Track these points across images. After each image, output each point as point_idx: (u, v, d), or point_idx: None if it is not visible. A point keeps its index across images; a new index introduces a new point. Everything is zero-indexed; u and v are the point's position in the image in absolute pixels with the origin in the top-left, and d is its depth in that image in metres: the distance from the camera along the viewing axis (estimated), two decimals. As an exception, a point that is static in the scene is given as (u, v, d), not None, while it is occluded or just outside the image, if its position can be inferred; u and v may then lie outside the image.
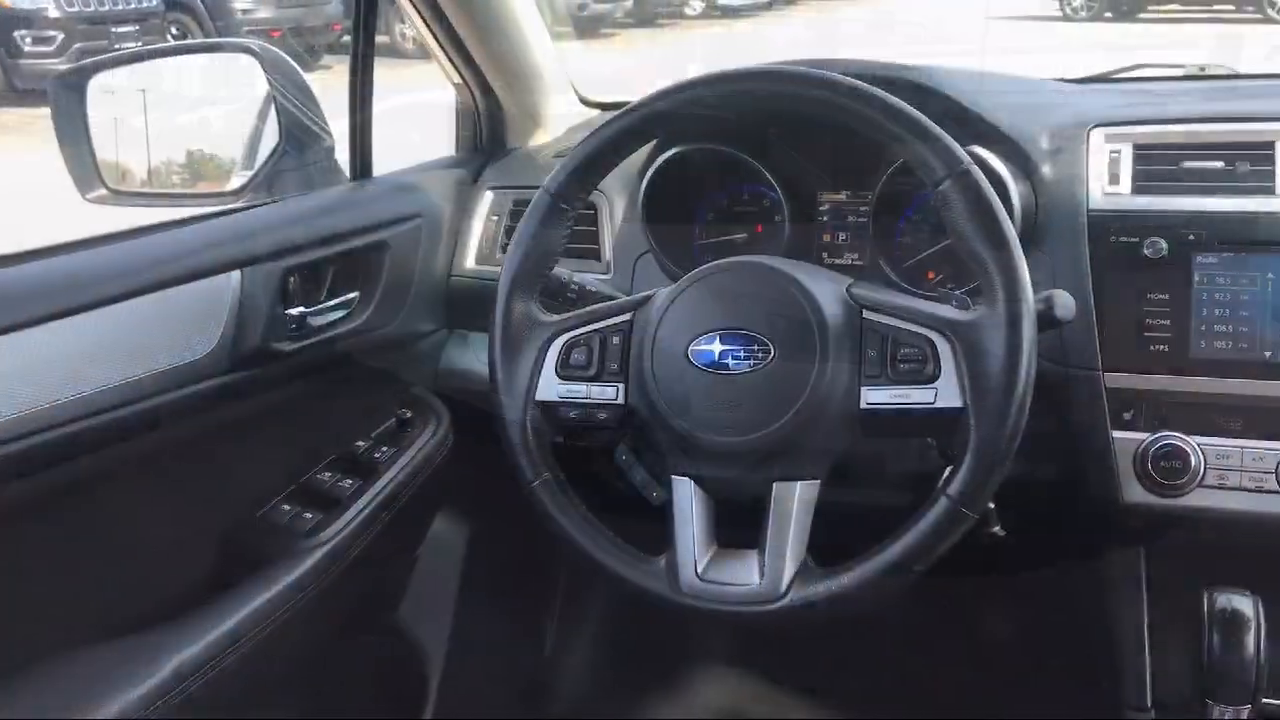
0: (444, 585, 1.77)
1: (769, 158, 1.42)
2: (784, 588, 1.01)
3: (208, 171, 1.70)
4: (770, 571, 1.02)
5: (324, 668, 1.49)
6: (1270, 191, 1.20)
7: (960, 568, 1.06)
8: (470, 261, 1.64)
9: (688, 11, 15.38)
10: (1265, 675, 1.06)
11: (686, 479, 1.07)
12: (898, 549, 0.99)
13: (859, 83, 1.03)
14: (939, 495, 0.98)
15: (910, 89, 1.26)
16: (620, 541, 1.09)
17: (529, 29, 1.70)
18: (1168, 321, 1.19)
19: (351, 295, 1.46)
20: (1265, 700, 1.08)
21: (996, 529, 1.14)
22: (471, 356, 1.62)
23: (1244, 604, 1.07)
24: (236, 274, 1.26)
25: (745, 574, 1.03)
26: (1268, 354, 1.16)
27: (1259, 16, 13.85)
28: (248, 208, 1.43)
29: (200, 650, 1.18)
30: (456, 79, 1.73)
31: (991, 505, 1.10)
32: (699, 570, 1.04)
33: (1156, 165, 1.25)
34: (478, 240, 1.64)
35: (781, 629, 1.05)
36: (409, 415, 1.54)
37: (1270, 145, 1.22)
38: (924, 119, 1.02)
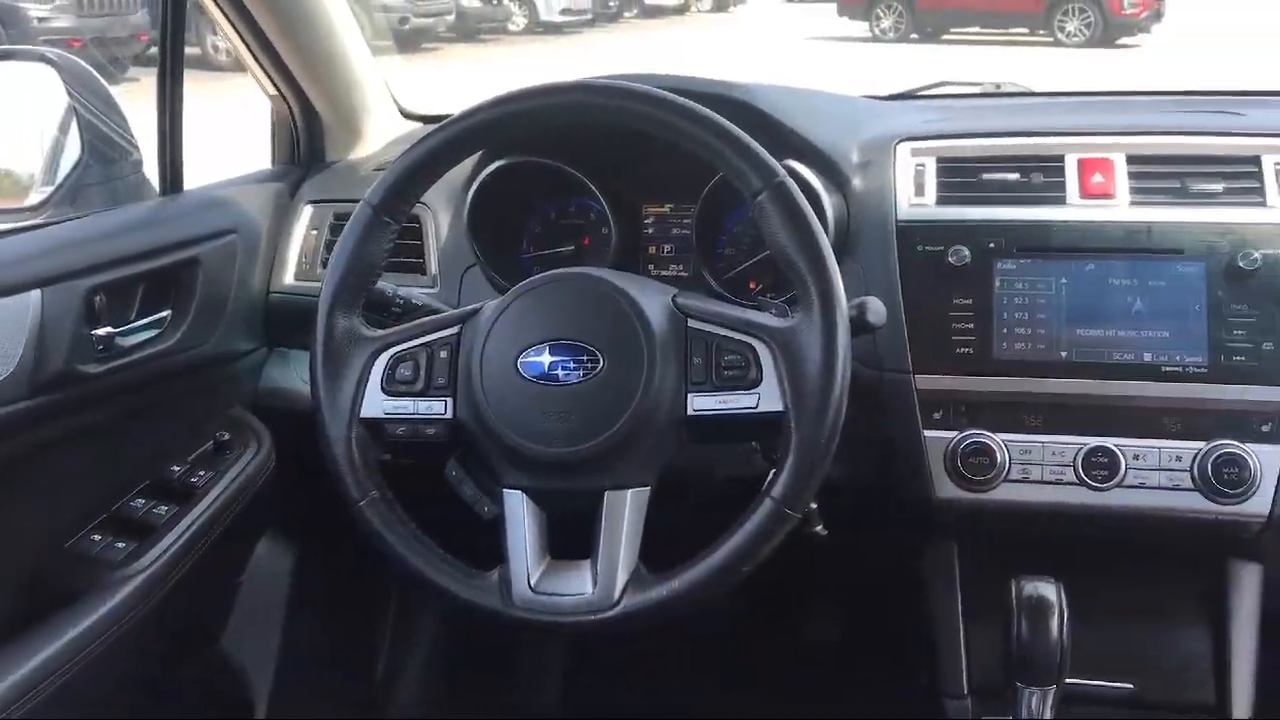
0: (270, 611, 1.71)
1: (594, 171, 1.44)
2: (617, 596, 1.02)
3: (3, 187, 1.61)
4: (603, 580, 1.03)
5: (147, 700, 1.42)
6: (1062, 201, 1.28)
7: (786, 567, 1.09)
8: (290, 277, 1.60)
9: (511, 27, 15.37)
10: (1068, 657, 1.13)
11: (517, 492, 1.07)
12: (725, 552, 1.01)
13: (677, 97, 1.06)
14: (763, 497, 1.01)
15: (727, 104, 1.29)
16: (450, 558, 1.08)
17: (346, 40, 1.67)
18: (972, 325, 1.26)
19: (163, 314, 1.40)
20: (1069, 680, 1.15)
21: (819, 528, 1.18)
22: (293, 374, 1.58)
23: (1048, 590, 1.14)
24: (36, 293, 1.19)
25: (578, 584, 1.04)
26: (1064, 354, 1.24)
27: (1050, 40, 14.76)
28: (48, 224, 1.36)
29: (7, 688, 1.11)
30: (272, 91, 1.69)
31: (814, 505, 1.14)
32: (532, 583, 1.04)
33: (958, 177, 1.32)
34: (297, 255, 1.60)
35: (616, 636, 1.06)
36: (227, 437, 1.48)
37: (1060, 158, 1.30)
38: (739, 133, 1.04)
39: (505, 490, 1.07)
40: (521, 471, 1.07)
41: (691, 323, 1.06)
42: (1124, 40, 14.56)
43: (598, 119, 1.10)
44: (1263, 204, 1.23)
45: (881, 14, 15.40)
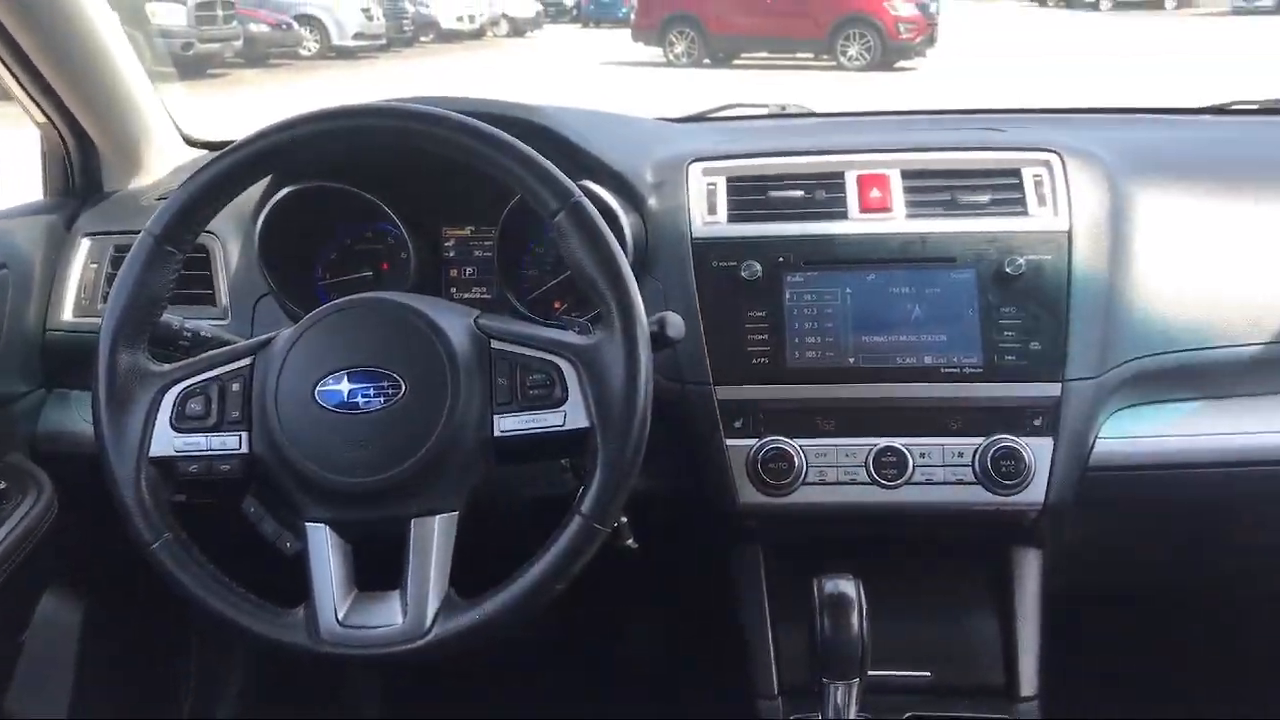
0: (59, 668, 1.61)
1: (390, 195, 1.42)
2: (428, 624, 1.01)
3: None
4: (413, 609, 1.01)
5: None
6: (844, 216, 1.34)
7: (598, 582, 1.10)
8: (68, 314, 1.52)
9: (302, 52, 14.99)
10: (870, 650, 1.18)
11: (320, 525, 1.04)
12: (538, 571, 1.01)
13: (470, 119, 1.06)
14: (573, 514, 1.02)
15: (523, 127, 1.30)
16: (253, 597, 1.04)
17: (120, 64, 1.59)
18: (766, 336, 1.30)
19: (-75, 358, 1.30)
20: (872, 673, 1.20)
21: (629, 542, 1.19)
22: (75, 416, 1.49)
23: (848, 587, 1.18)
24: None
25: (388, 615, 1.02)
26: (852, 360, 1.30)
27: (834, 64, 15.41)
28: None
29: None
30: (40, 118, 1.59)
31: (624, 519, 1.15)
32: (339, 617, 1.02)
33: (748, 195, 1.37)
34: (75, 291, 1.52)
35: (429, 664, 1.04)
36: (3, 486, 1.39)
37: (841, 175, 1.36)
38: (534, 154, 1.05)
39: (308, 524, 1.05)
40: (323, 504, 1.04)
41: (495, 344, 1.06)
42: (901, 64, 15.37)
43: (392, 143, 1.09)
44: (1024, 213, 1.32)
45: (675, 40, 15.78)
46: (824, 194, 1.35)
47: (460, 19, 20.38)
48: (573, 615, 1.30)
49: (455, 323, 1.07)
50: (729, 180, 1.38)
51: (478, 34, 21.03)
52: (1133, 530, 1.57)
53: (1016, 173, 1.35)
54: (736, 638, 1.42)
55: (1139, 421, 1.34)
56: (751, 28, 15.63)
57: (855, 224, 1.33)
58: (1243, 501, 1.44)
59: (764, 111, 1.88)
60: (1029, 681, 1.36)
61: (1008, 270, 1.28)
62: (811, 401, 1.30)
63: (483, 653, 1.06)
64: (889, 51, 15.23)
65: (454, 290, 1.49)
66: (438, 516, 1.03)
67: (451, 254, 1.49)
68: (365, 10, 15.91)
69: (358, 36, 15.67)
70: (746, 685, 1.39)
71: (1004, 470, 1.27)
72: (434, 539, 1.03)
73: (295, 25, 14.73)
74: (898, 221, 1.33)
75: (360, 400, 1.03)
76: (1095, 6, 37.95)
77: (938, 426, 1.30)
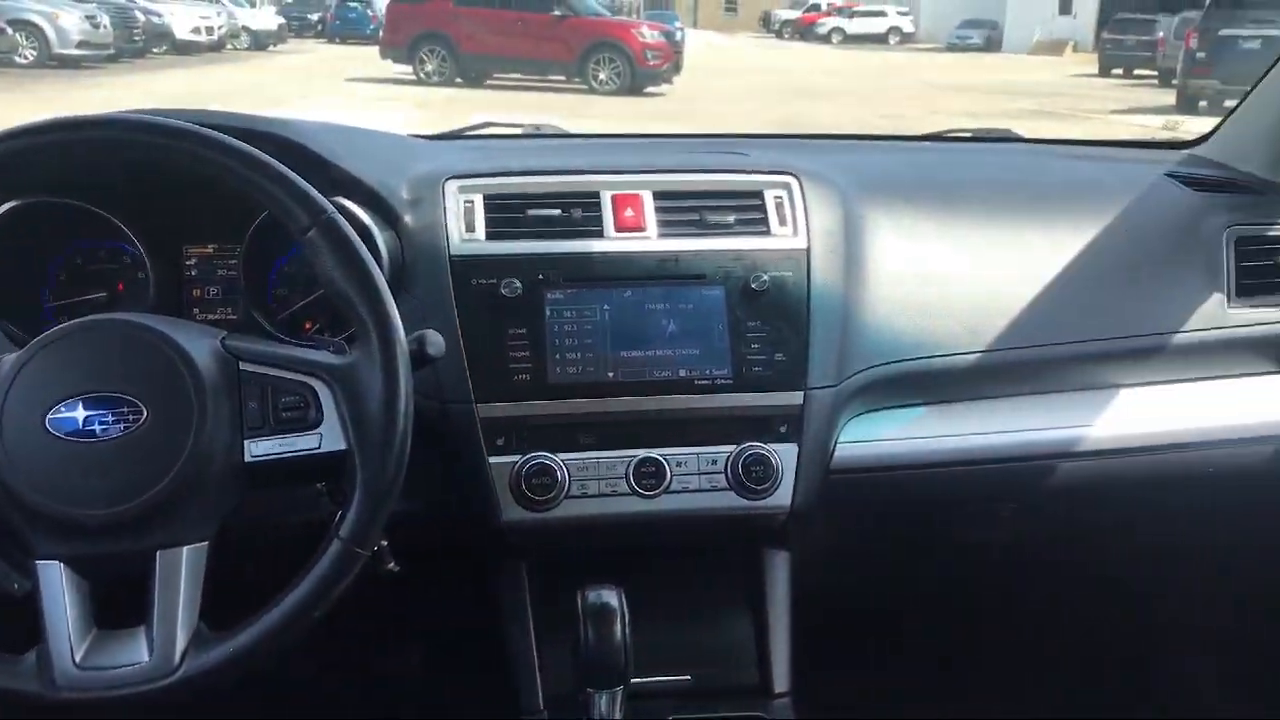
0: None
1: (126, 211, 1.34)
2: (176, 660, 0.96)
3: None
4: (160, 645, 0.96)
5: None
6: (600, 234, 1.37)
7: (361, 608, 1.08)
8: None
9: (19, 59, 13.92)
10: (633, 657, 1.20)
11: (54, 562, 0.97)
12: (294, 599, 0.98)
13: (213, 132, 1.02)
14: (331, 538, 0.99)
15: (271, 141, 1.26)
16: None
17: None
18: (528, 353, 1.31)
19: None
20: (635, 680, 1.22)
21: (391, 565, 1.17)
22: None
23: (610, 597, 1.20)
24: None
25: (133, 653, 0.96)
26: (611, 374, 1.33)
27: (585, 88, 15.67)
28: None
29: None
30: None
31: (385, 542, 1.14)
32: (77, 659, 0.95)
33: (506, 213, 1.38)
34: None
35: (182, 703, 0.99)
36: None
37: (596, 195, 1.39)
38: (283, 169, 1.03)
39: (39, 562, 0.98)
40: (57, 539, 0.97)
41: (244, 365, 1.03)
42: (650, 89, 15.81)
43: (128, 156, 1.03)
44: (767, 232, 1.39)
45: (425, 58, 15.64)
46: (581, 213, 1.38)
47: (197, 30, 19.50)
48: (329, 643, 1.26)
49: (200, 344, 1.03)
50: (486, 198, 1.38)
51: (216, 46, 20.16)
52: (873, 530, 1.67)
53: (759, 194, 1.42)
54: (500, 653, 1.42)
55: (874, 426, 1.44)
56: (503, 49, 15.71)
57: (611, 242, 1.37)
58: (965, 499, 1.56)
59: (518, 131, 1.90)
60: (781, 679, 1.42)
61: (753, 286, 1.34)
62: (573, 416, 1.32)
63: (240, 687, 1.01)
64: (638, 77, 15.65)
65: (197, 311, 1.42)
66: (186, 547, 0.99)
67: (193, 273, 1.43)
68: (90, 18, 14.96)
69: (82, 45, 14.71)
70: (511, 701, 1.39)
71: (754, 475, 1.32)
72: (182, 571, 0.98)
73: (9, 30, 13.68)
74: (651, 240, 1.38)
75: (98, 428, 0.97)
76: (827, 40, 40.28)
77: (693, 436, 1.34)
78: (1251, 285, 1.53)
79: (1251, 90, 1.70)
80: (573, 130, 2.00)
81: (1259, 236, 1.56)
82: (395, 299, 1.04)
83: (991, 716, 1.83)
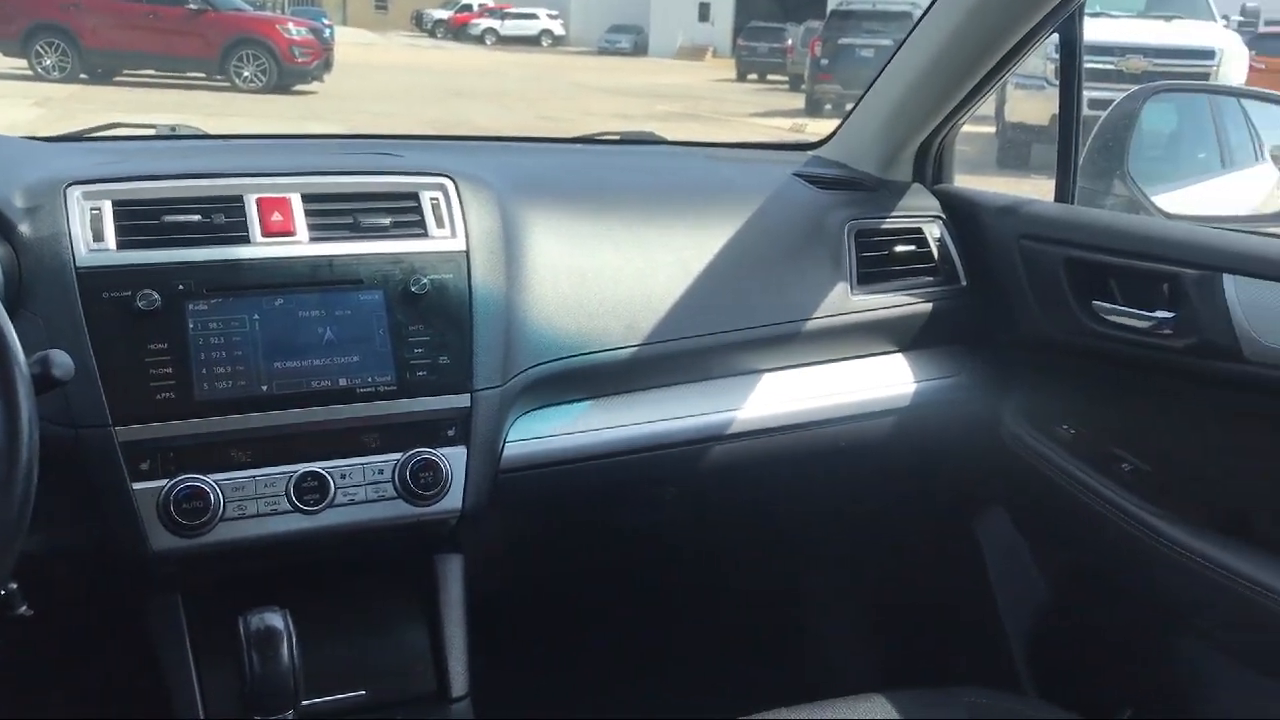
0: None
1: None
2: None
3: None
4: None
5: None
6: (246, 240, 1.30)
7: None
8: None
9: None
10: (302, 680, 1.16)
11: None
12: None
13: None
14: None
15: None
16: None
17: None
18: (170, 369, 1.23)
19: None
20: (306, 703, 1.18)
21: (23, 609, 1.07)
22: None
23: (275, 620, 1.15)
24: None
25: None
26: (265, 387, 1.26)
27: (228, 85, 14.91)
28: None
29: None
30: None
31: (13, 585, 1.03)
32: None
33: (139, 220, 1.28)
34: None
35: None
36: None
37: (240, 198, 1.32)
38: None
39: None
40: None
41: None
42: (300, 87, 15.26)
43: None
44: (425, 235, 1.38)
45: (43, 51, 14.29)
46: (223, 218, 1.31)
47: None
48: None
49: None
50: (115, 204, 1.28)
51: None
52: (545, 525, 1.70)
53: (415, 196, 1.40)
54: (158, 691, 1.33)
55: (540, 423, 1.46)
56: (134, 43, 14.64)
57: (259, 248, 1.30)
58: (631, 486, 1.62)
59: (152, 132, 1.78)
60: (459, 683, 1.42)
61: (413, 290, 1.33)
62: (225, 434, 1.25)
63: None
64: (285, 75, 15.07)
65: None
66: None
67: None
68: None
69: None
70: None
71: (423, 482, 1.31)
72: None
73: None
74: (302, 245, 1.32)
75: None
76: (481, 40, 40.46)
77: (358, 446, 1.31)
78: (869, 274, 1.69)
79: (863, 96, 1.86)
80: (214, 131, 1.89)
81: (874, 230, 1.72)
82: (13, 319, 0.95)
83: (670, 694, 1.91)
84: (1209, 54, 10.63)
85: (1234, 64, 10.78)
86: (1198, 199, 2.09)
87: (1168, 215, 1.77)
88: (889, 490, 1.89)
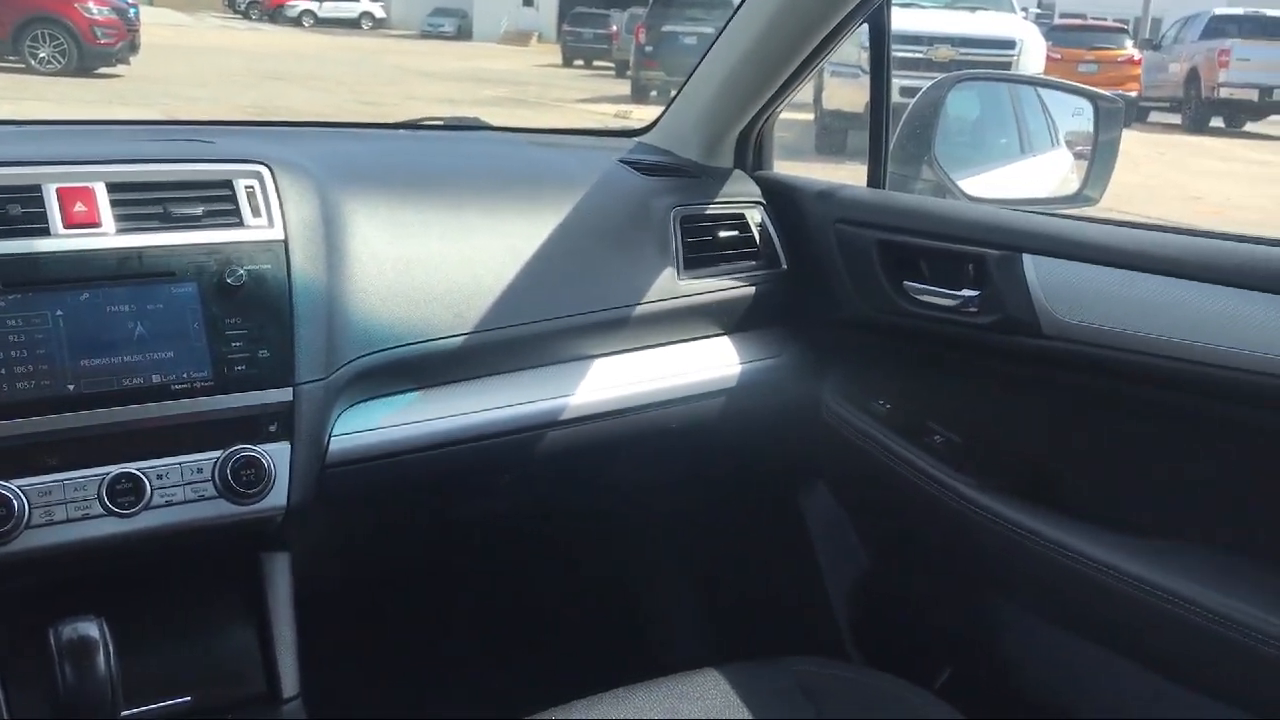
0: None
1: None
2: None
3: None
4: None
5: None
6: (46, 233, 1.23)
7: None
8: None
9: None
10: (120, 689, 1.11)
11: None
12: None
13: None
14: None
15: None
16: None
17: None
18: None
19: None
20: (126, 713, 1.13)
21: None
22: None
23: (89, 629, 1.10)
24: None
25: None
26: (72, 387, 1.20)
27: (22, 66, 14.04)
28: None
29: None
30: None
31: None
32: None
33: None
34: None
35: None
36: None
37: (38, 188, 1.25)
38: None
39: None
40: None
41: None
42: (104, 70, 14.51)
43: None
44: (240, 224, 1.33)
45: None
46: (19, 209, 1.23)
47: None
48: None
49: None
50: None
51: None
52: (377, 519, 1.67)
53: (229, 184, 1.35)
54: None
55: (368, 416, 1.44)
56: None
57: (61, 241, 1.23)
58: (464, 475, 1.61)
59: None
60: (290, 683, 1.39)
61: (229, 281, 1.28)
62: (29, 436, 1.18)
63: None
64: (86, 56, 14.29)
65: None
66: None
67: None
68: None
69: None
70: None
71: (245, 479, 1.27)
72: None
73: None
74: (109, 237, 1.26)
75: None
76: (298, 23, 39.27)
77: (175, 445, 1.26)
78: (695, 259, 1.72)
79: (684, 84, 1.89)
80: (7, 116, 1.78)
81: (699, 215, 1.75)
82: None
83: (509, 682, 1.92)
84: (1010, 44, 11.23)
85: (1033, 54, 11.42)
86: (999, 183, 2.20)
87: (972, 198, 1.86)
88: (717, 469, 1.94)
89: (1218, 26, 18.61)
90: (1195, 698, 1.38)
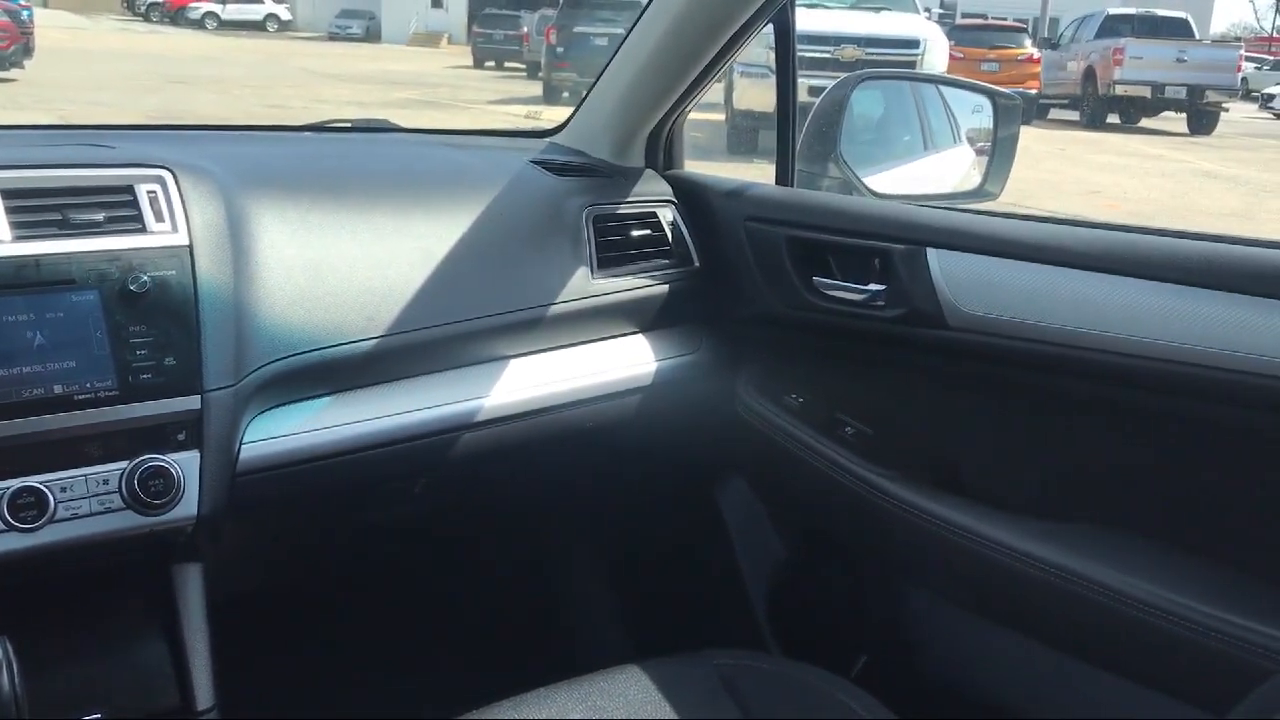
0: None
1: None
2: None
3: None
4: None
5: None
6: None
7: None
8: None
9: None
10: (26, 708, 1.08)
11: None
12: None
13: None
14: None
15: None
16: None
17: None
18: None
19: None
20: None
21: None
22: None
23: None
24: None
25: None
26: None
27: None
28: None
29: None
30: None
31: None
32: None
33: None
34: None
35: None
36: None
37: None
38: None
39: None
40: None
41: None
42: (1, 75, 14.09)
43: None
44: (143, 230, 1.30)
45: None
46: None
47: None
48: None
49: None
50: None
51: None
52: (290, 526, 1.65)
53: (130, 189, 1.32)
54: None
55: (280, 422, 1.42)
56: None
57: None
58: (377, 480, 1.60)
59: None
60: (204, 695, 1.36)
61: (132, 288, 1.26)
62: None
63: None
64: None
65: None
66: None
67: None
68: None
69: None
70: None
71: (153, 490, 1.25)
72: None
73: None
74: (6, 245, 1.23)
75: None
76: (201, 25, 38.44)
77: (79, 457, 1.23)
78: (608, 258, 1.73)
79: (594, 84, 1.90)
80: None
81: (611, 215, 1.76)
82: None
83: (429, 686, 1.90)
84: (914, 43, 11.44)
85: (937, 53, 11.66)
86: (904, 179, 2.26)
87: (878, 195, 1.90)
88: (635, 467, 1.95)
89: (1112, 26, 19.24)
90: (1101, 675, 1.43)
